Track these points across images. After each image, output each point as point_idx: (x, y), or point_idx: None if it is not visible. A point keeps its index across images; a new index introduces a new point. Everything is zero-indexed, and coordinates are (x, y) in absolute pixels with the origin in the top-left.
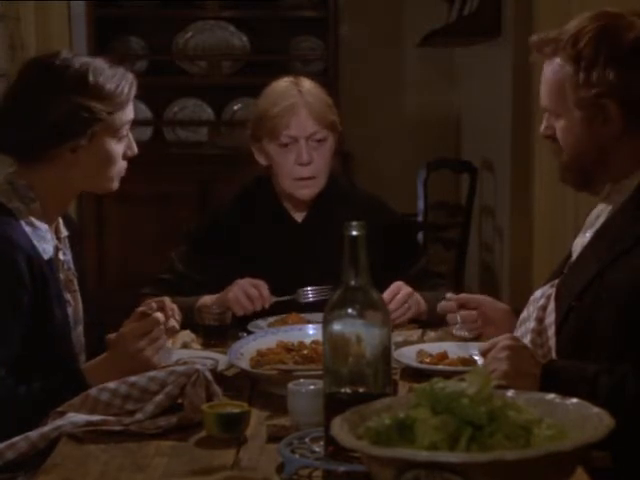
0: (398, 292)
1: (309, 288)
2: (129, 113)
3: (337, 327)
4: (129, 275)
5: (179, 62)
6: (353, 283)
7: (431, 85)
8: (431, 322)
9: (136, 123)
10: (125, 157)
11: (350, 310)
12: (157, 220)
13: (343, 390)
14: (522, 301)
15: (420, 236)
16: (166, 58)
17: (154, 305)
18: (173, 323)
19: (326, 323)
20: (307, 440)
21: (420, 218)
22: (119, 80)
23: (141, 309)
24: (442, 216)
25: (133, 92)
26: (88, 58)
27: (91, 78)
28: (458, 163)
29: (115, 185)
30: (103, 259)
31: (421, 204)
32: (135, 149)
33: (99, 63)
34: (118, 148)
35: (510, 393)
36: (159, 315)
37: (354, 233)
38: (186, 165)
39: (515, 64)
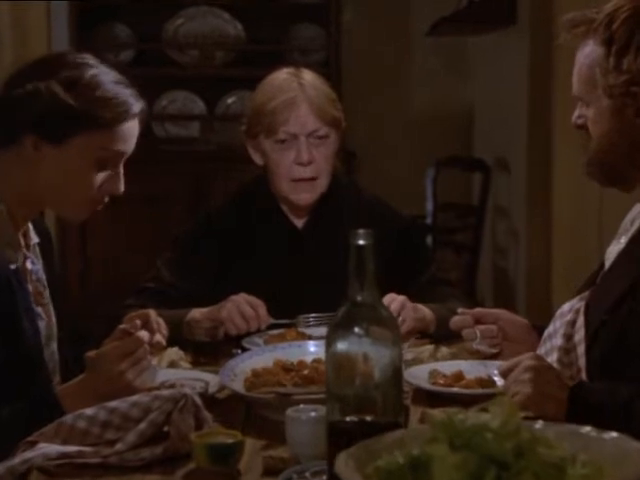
0: (390, 304)
1: (311, 315)
2: (122, 140)
3: (342, 346)
4: (115, 282)
5: (168, 51)
6: (359, 299)
7: (440, 77)
8: (442, 336)
9: None
10: (102, 192)
11: (356, 329)
12: (145, 222)
13: (348, 418)
14: (539, 311)
15: (429, 240)
16: (154, 47)
17: (138, 322)
18: (159, 338)
19: (329, 343)
20: (308, 475)
21: (429, 220)
22: (121, 94)
23: (123, 327)
24: (452, 218)
25: (132, 114)
26: (105, 67)
27: (89, 74)
28: (470, 161)
29: (81, 215)
30: (87, 264)
31: (430, 205)
32: (120, 189)
33: (111, 73)
34: (94, 174)
35: (539, 425)
36: (143, 334)
37: (361, 242)
38: (176, 163)
39: (532, 53)
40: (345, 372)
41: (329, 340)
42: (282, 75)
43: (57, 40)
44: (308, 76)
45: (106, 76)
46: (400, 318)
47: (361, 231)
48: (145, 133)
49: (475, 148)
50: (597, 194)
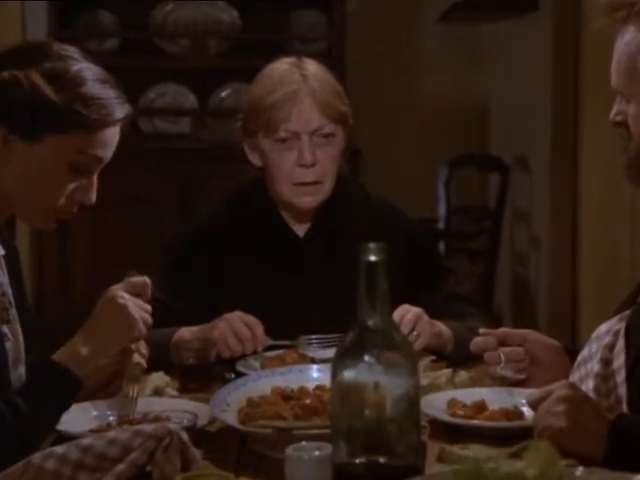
0: (404, 315)
1: (314, 336)
2: (101, 145)
3: (350, 374)
4: (97, 295)
5: (157, 40)
6: (371, 323)
7: (454, 68)
8: (460, 359)
9: None
10: (73, 200)
11: (367, 357)
12: (130, 228)
13: (357, 460)
14: (563, 328)
15: (441, 246)
16: (141, 36)
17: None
18: (138, 359)
19: (336, 372)
20: None
21: (441, 225)
22: (106, 96)
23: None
24: (467, 223)
25: (115, 119)
26: (91, 63)
27: (74, 68)
28: (486, 160)
29: (45, 224)
30: (66, 275)
31: (442, 208)
32: (92, 199)
33: (98, 70)
34: (66, 180)
35: (579, 472)
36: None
37: (372, 259)
38: (164, 162)
39: (556, 41)
40: (353, 403)
41: (335, 369)
42: (282, 66)
43: (33, 26)
44: (311, 66)
45: (92, 73)
46: (415, 332)
47: (372, 245)
48: (131, 129)
49: (492, 145)
50: (630, 198)
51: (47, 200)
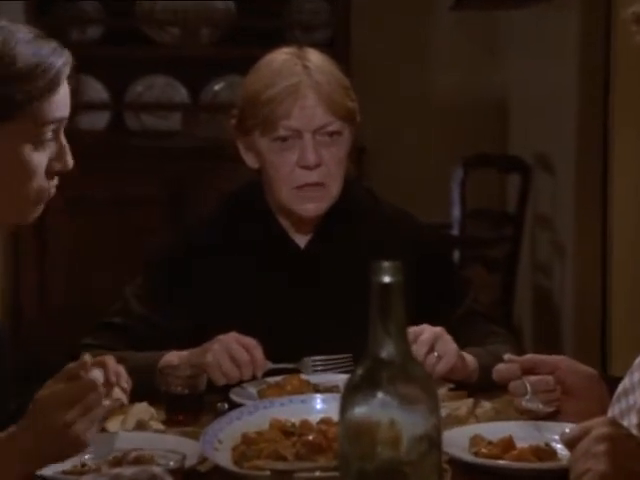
0: (420, 334)
1: (319, 358)
2: (59, 107)
3: (361, 410)
4: (79, 305)
5: (144, 29)
6: (385, 355)
7: (468, 59)
8: (482, 387)
9: (89, 107)
10: (52, 173)
11: (380, 394)
12: (116, 233)
13: None
14: (590, 346)
15: (455, 254)
16: (127, 23)
17: (87, 359)
18: (119, 395)
19: (344, 408)
20: None
21: (455, 231)
22: (46, 56)
23: (71, 366)
24: (484, 228)
25: (64, 76)
26: (7, 23)
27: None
28: (504, 160)
29: (32, 213)
30: (45, 283)
31: (457, 212)
32: (69, 163)
33: (21, 30)
34: (37, 157)
35: None
36: (97, 375)
37: (387, 280)
38: (153, 161)
39: (584, 29)
40: (365, 443)
41: (344, 405)
42: (282, 56)
43: (9, 13)
44: (314, 57)
45: (25, 40)
46: (435, 354)
47: (387, 265)
48: (116, 125)
49: (511, 144)
50: None
51: (29, 190)
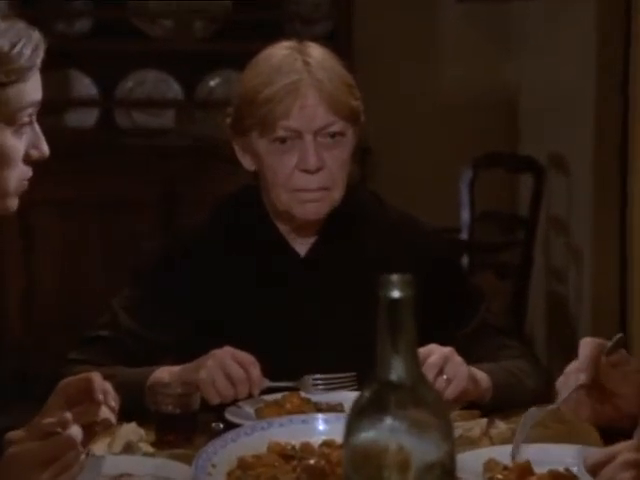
0: (428, 356)
1: (320, 376)
2: (33, 91)
3: (367, 435)
4: (67, 314)
5: (135, 21)
6: (394, 376)
7: (478, 54)
8: (497, 406)
9: (78, 103)
10: (28, 159)
11: (389, 419)
12: (105, 236)
13: None
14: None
15: (464, 260)
16: (117, 16)
17: (68, 416)
18: (106, 414)
19: (349, 432)
20: None
21: (464, 235)
22: (16, 38)
23: (48, 421)
24: (494, 232)
25: (39, 59)
26: None
27: None
28: (516, 160)
29: (11, 203)
30: (31, 291)
31: (465, 215)
32: (45, 149)
33: None
34: (14, 143)
35: None
36: (74, 432)
37: (396, 295)
38: (145, 161)
39: (601, 22)
40: (371, 469)
41: (349, 429)
42: (281, 51)
43: None
44: (316, 52)
45: None
46: (444, 377)
47: (396, 278)
48: (105, 123)
49: (523, 143)
50: None
51: (9, 178)
